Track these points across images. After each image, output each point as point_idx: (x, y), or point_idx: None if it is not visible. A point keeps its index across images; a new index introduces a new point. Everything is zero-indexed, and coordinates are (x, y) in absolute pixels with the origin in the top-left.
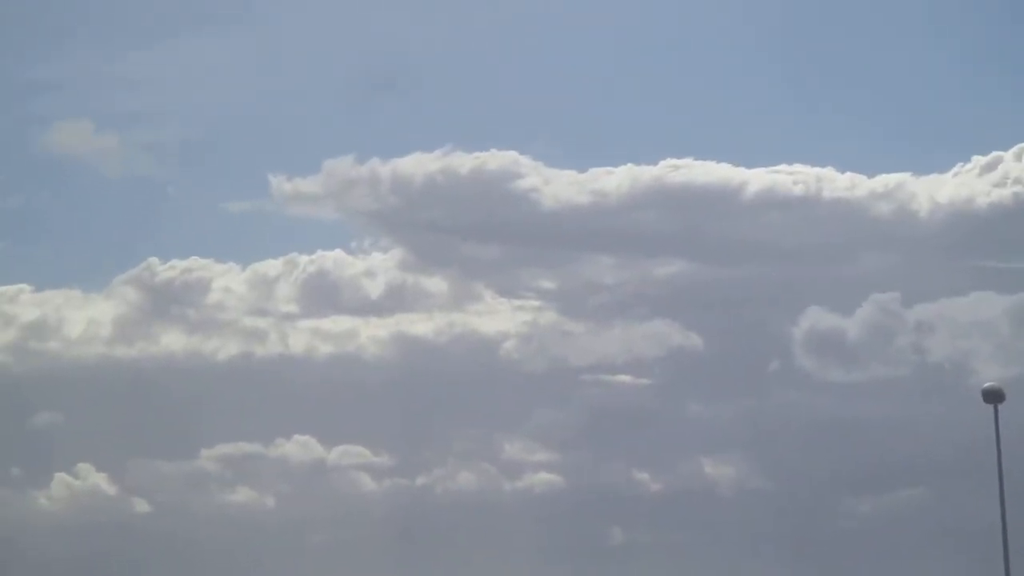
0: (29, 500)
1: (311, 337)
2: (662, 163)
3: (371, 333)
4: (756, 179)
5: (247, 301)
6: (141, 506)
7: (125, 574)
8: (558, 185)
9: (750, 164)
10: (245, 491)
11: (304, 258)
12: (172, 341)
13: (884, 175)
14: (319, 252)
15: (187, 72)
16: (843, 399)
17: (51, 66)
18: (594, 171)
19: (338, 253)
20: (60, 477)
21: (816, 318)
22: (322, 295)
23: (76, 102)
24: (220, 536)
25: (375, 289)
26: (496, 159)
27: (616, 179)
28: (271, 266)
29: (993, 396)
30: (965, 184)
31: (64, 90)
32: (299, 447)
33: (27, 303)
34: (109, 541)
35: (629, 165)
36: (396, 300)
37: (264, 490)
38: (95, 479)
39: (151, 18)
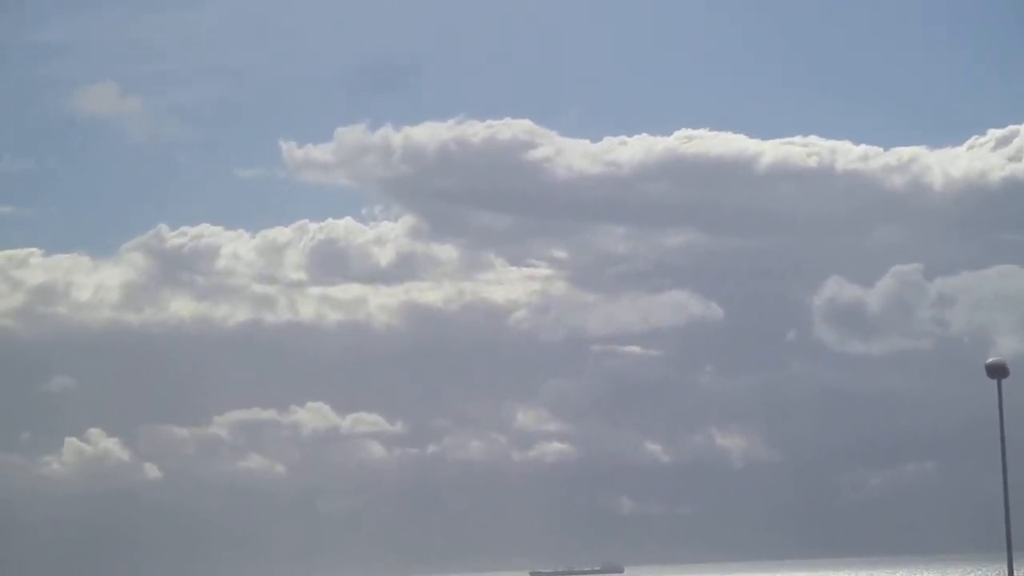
0: (40, 465)
1: (320, 304)
2: (676, 133)
3: (380, 301)
4: (770, 151)
5: (256, 268)
6: (152, 471)
7: (135, 539)
8: (571, 155)
9: (765, 136)
10: (257, 458)
11: (314, 225)
12: (181, 307)
13: (899, 148)
14: (329, 219)
15: (203, 37)
16: (860, 371)
17: (71, 29)
18: (608, 141)
19: (348, 221)
20: (71, 442)
21: (836, 290)
22: (331, 262)
23: (95, 66)
24: (231, 502)
25: (385, 257)
26: (510, 128)
27: (630, 149)
28: (281, 233)
29: (997, 371)
30: (979, 157)
31: (84, 53)
32: (313, 414)
33: (36, 267)
34: (120, 506)
35: (643, 135)
36: (406, 268)
37: (275, 457)
38: (106, 444)
39: None
